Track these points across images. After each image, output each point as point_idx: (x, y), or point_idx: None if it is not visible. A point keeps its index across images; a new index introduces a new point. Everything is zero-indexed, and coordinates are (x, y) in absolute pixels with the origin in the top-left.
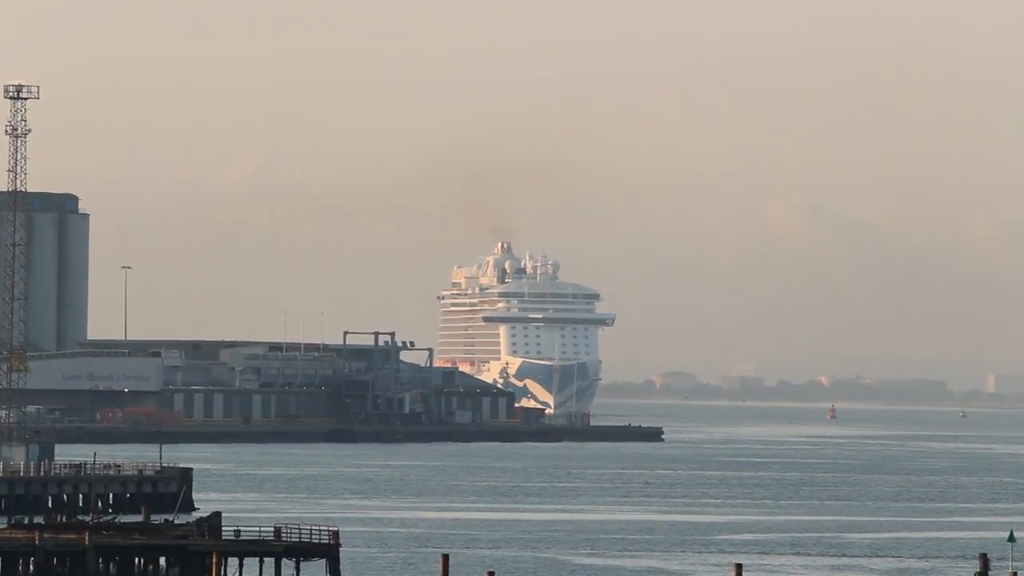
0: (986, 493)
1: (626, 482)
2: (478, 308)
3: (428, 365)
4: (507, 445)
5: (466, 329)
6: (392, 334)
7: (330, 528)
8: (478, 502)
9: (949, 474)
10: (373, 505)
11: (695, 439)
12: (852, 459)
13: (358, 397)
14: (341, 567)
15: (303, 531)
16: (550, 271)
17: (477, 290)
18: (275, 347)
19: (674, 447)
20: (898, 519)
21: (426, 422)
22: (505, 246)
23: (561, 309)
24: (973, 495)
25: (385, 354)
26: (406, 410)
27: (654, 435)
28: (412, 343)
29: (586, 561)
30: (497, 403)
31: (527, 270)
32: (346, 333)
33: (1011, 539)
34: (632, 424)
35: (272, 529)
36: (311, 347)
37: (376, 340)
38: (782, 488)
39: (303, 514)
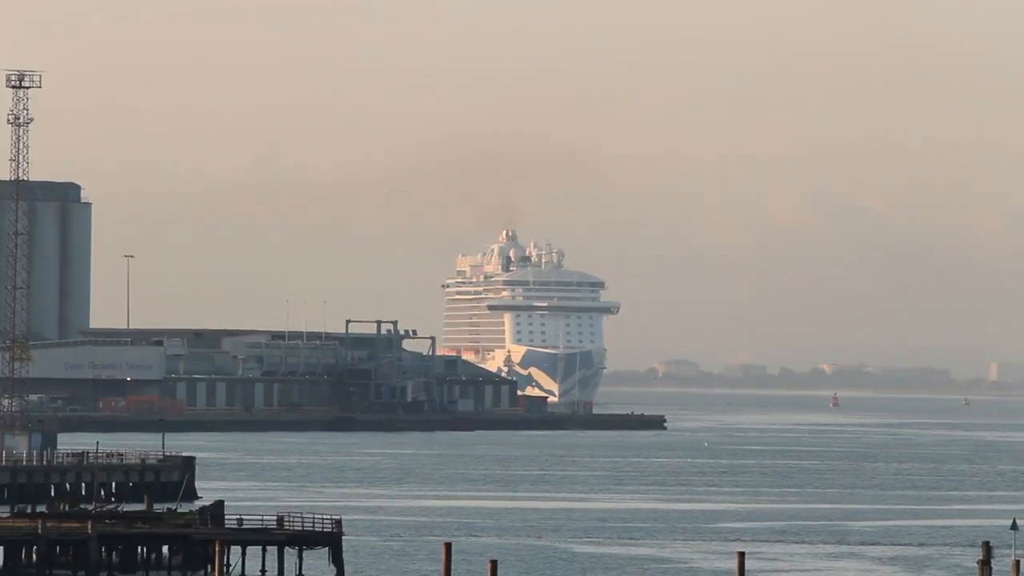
0: (989, 481)
1: (626, 470)
2: (483, 296)
3: (431, 354)
4: (509, 433)
5: (471, 317)
6: (395, 323)
7: (333, 517)
8: (480, 490)
9: (951, 462)
10: (375, 494)
11: (697, 427)
12: (854, 447)
13: (360, 386)
14: (344, 556)
15: (306, 520)
16: (555, 259)
17: (482, 278)
18: (277, 336)
19: (676, 435)
20: (900, 507)
21: (428, 411)
22: (510, 234)
23: (565, 297)
24: (976, 483)
25: (387, 343)
26: (408, 399)
27: (657, 423)
28: (415, 332)
29: (587, 549)
30: (499, 391)
31: (532, 258)
32: (348, 322)
33: (1014, 527)
34: (635, 412)
35: (275, 518)
36: (313, 336)
37: (379, 329)
38: (783, 476)
39: (306, 503)
